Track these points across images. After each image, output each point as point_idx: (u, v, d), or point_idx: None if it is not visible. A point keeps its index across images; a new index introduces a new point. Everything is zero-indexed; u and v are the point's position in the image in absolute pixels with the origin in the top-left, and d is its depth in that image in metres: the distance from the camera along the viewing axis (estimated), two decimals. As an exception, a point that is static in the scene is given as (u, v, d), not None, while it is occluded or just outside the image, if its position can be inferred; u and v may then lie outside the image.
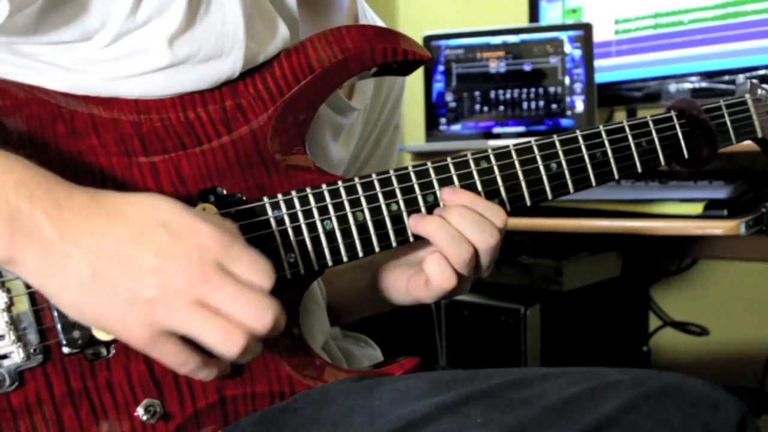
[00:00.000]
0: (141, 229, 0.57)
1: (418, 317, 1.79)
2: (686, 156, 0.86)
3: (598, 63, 1.82)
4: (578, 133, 0.81)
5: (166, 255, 0.56)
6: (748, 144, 0.96)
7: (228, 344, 0.56)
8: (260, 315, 0.57)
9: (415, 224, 0.74)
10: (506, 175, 0.78)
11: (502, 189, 0.77)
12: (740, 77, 0.97)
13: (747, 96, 0.92)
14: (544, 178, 0.79)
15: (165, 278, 0.56)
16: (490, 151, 0.78)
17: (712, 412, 0.61)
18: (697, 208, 1.42)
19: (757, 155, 1.45)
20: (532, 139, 0.80)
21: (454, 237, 0.73)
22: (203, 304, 0.56)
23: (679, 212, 1.45)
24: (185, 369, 0.60)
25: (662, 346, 2.13)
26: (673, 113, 0.86)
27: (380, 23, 0.99)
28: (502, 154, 0.78)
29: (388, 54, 0.75)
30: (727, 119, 0.89)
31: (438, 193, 0.75)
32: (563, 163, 0.79)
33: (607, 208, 1.49)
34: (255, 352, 0.59)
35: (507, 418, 0.60)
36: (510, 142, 0.81)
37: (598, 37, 1.83)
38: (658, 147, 0.84)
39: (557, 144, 0.80)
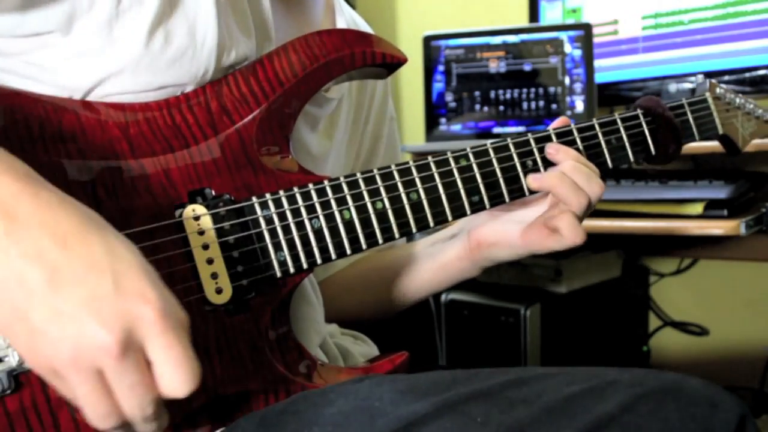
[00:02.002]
0: (90, 264, 0.51)
1: (418, 317, 1.79)
2: (653, 152, 0.89)
3: (624, 60, 1.82)
4: (551, 131, 0.84)
5: (97, 306, 0.50)
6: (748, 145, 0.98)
7: (103, 422, 0.52)
8: (144, 417, 0.52)
9: (534, 180, 0.81)
10: (485, 173, 0.80)
11: (481, 186, 0.80)
12: (699, 77, 1.01)
13: (707, 94, 0.95)
14: (521, 174, 0.82)
15: (81, 330, 0.49)
16: (468, 149, 0.80)
17: (712, 412, 0.61)
18: (697, 208, 1.42)
19: (756, 155, 1.45)
20: (509, 137, 0.82)
21: (574, 188, 0.80)
22: (102, 375, 0.51)
23: (679, 212, 1.44)
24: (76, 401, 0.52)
25: (662, 346, 2.13)
26: (639, 111, 0.89)
27: (357, 17, 1.01)
28: (481, 152, 0.80)
29: (367, 57, 0.77)
30: (690, 117, 0.92)
31: (420, 191, 0.77)
32: (538, 160, 0.82)
33: (607, 208, 1.49)
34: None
35: (506, 418, 0.60)
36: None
37: (624, 33, 1.83)
38: (627, 144, 0.87)
39: (532, 142, 0.82)
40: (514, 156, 0.81)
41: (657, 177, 1.54)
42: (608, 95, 1.88)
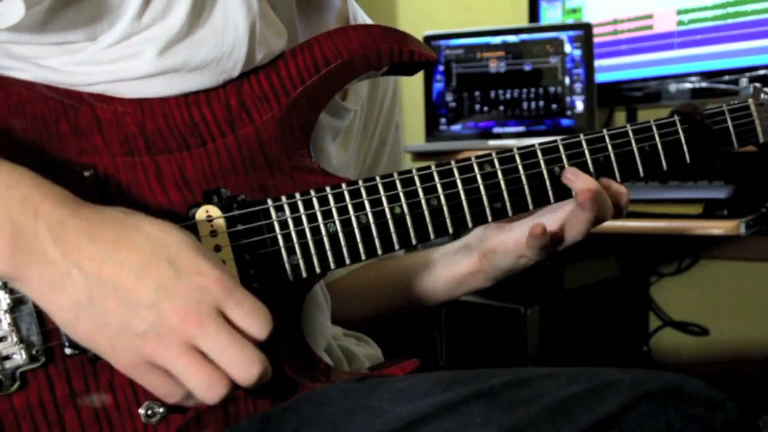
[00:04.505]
0: (146, 260, 0.56)
1: (418, 317, 1.79)
2: (688, 160, 0.85)
3: (664, 55, 1.81)
4: (582, 137, 0.80)
5: (165, 291, 0.56)
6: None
7: (210, 393, 0.57)
8: (247, 368, 0.57)
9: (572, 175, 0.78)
10: (510, 180, 0.77)
11: (505, 193, 0.77)
12: (743, 81, 0.95)
13: (750, 101, 0.91)
14: (547, 182, 0.79)
15: (160, 315, 0.56)
16: (494, 154, 0.77)
17: (712, 412, 0.61)
18: (697, 208, 1.42)
19: (757, 155, 1.46)
20: (536, 142, 0.79)
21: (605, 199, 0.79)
22: (193, 346, 0.56)
23: (679, 212, 1.45)
24: (173, 399, 0.59)
25: (662, 346, 2.13)
26: (676, 117, 0.85)
27: (370, 22, 0.99)
28: (506, 159, 0.77)
29: (395, 55, 0.75)
30: (730, 124, 0.88)
31: (441, 197, 0.75)
32: (566, 167, 0.79)
33: (607, 208, 1.49)
34: (231, 397, 0.59)
35: (507, 418, 0.60)
36: (510, 142, 0.81)
37: (658, 28, 1.83)
38: (661, 151, 0.83)
39: (561, 148, 0.79)
40: (542, 163, 0.78)
41: (657, 177, 1.54)
42: (608, 95, 1.89)
